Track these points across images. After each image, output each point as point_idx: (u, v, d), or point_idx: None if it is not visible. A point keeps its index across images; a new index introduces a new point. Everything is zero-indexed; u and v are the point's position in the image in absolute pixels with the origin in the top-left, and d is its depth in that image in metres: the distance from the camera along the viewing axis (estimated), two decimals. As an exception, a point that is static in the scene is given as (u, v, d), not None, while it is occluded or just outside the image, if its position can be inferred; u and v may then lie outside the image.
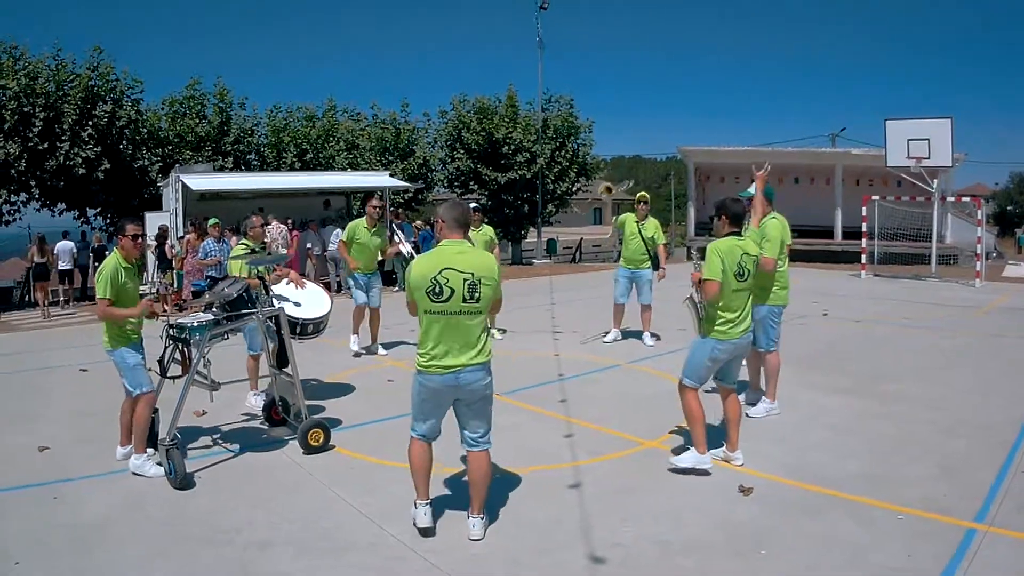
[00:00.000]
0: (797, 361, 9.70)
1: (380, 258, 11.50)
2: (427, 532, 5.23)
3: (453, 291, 4.92)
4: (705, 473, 6.16)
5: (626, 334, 12.20)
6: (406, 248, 12.27)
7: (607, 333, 12.29)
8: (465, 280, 4.93)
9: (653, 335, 11.85)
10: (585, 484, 6.10)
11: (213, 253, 14.23)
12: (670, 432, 7.35)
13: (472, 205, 12.58)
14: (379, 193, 23.09)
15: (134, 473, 6.54)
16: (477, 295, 4.96)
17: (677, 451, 6.59)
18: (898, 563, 4.74)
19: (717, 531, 5.25)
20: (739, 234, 6.34)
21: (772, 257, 7.52)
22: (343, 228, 12.02)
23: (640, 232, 11.53)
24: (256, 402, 8.50)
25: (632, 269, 11.70)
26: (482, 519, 5.26)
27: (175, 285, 19.06)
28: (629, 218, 11.66)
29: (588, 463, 6.61)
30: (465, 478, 5.68)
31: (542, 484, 6.18)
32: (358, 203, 26.45)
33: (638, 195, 12.03)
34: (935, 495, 5.74)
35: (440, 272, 4.93)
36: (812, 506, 5.63)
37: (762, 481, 6.06)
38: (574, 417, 7.97)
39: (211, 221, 16.35)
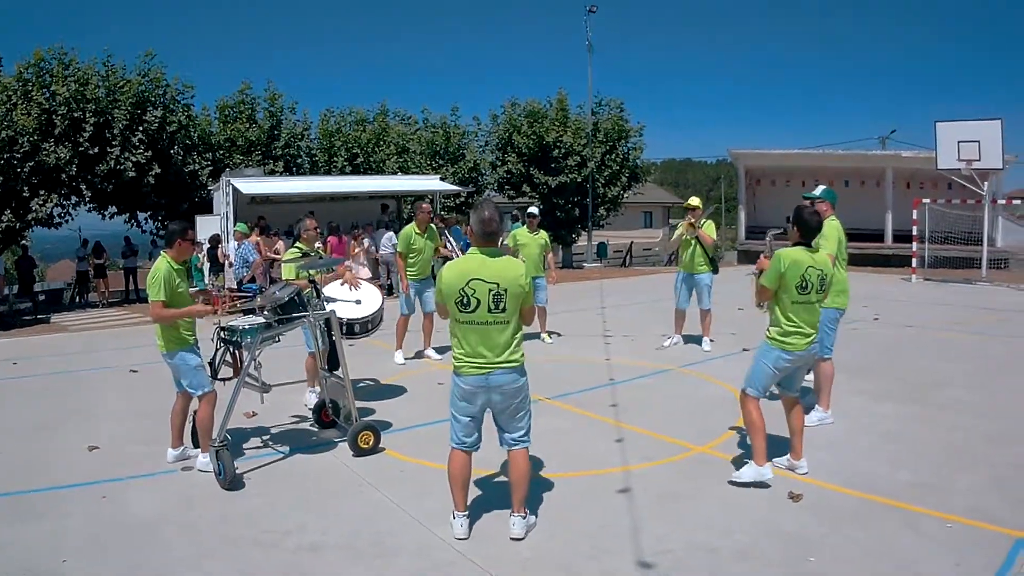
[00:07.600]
0: (848, 367, 9.56)
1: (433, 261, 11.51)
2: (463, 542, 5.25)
3: (479, 302, 4.98)
4: (765, 485, 6.01)
5: (686, 339, 12.08)
6: (456, 255, 12.27)
7: (669, 337, 12.21)
8: (490, 290, 4.98)
9: (711, 340, 11.68)
10: (635, 489, 6.07)
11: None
12: (717, 440, 7.31)
13: (531, 210, 12.73)
14: (428, 197, 23.28)
15: (200, 471, 6.65)
16: (503, 305, 5.00)
17: (737, 463, 6.46)
18: (947, 572, 4.67)
19: (766, 538, 5.20)
20: (808, 246, 6.22)
21: (829, 253, 7.46)
22: (396, 232, 12.05)
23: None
24: (314, 400, 8.55)
25: (689, 273, 11.62)
26: (523, 517, 5.27)
27: (226, 287, 19.31)
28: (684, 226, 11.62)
29: (638, 468, 6.58)
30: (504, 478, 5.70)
31: (592, 489, 6.16)
32: (409, 207, 26.57)
33: (686, 203, 11.94)
34: (985, 504, 5.63)
35: (468, 283, 5.00)
36: (861, 514, 5.55)
37: (812, 488, 5.98)
38: (624, 422, 7.94)
39: (238, 226, 16.72)
